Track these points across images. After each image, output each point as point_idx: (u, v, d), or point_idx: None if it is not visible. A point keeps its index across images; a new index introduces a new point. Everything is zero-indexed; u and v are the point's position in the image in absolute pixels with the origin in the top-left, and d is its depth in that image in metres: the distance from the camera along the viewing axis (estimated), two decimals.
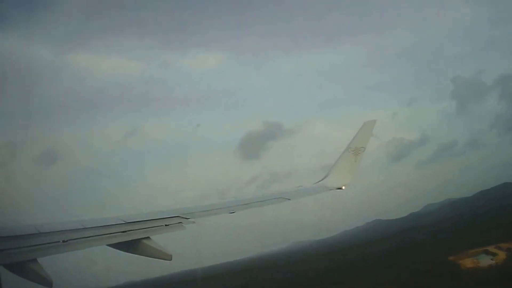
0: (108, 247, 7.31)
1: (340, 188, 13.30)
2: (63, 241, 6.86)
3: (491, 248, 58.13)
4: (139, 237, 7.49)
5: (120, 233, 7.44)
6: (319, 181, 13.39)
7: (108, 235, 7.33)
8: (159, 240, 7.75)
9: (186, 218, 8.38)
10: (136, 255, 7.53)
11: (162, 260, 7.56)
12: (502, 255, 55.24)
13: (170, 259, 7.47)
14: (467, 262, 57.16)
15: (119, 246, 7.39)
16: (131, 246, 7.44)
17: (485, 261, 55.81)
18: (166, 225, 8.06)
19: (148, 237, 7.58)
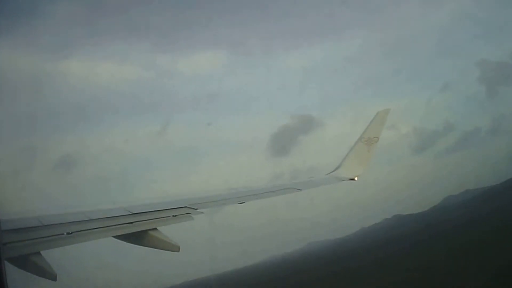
0: (114, 239, 7.14)
1: (353, 179, 13.03)
2: (68, 233, 6.69)
3: None
4: (145, 228, 7.29)
5: (127, 224, 7.23)
6: (331, 172, 13.11)
7: (114, 226, 7.13)
8: (168, 232, 7.57)
9: (194, 209, 8.18)
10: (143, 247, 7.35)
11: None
12: None
13: (178, 251, 7.27)
14: None
15: (125, 237, 7.20)
16: (137, 238, 7.25)
17: None
18: (173, 216, 7.85)
19: (155, 228, 7.37)
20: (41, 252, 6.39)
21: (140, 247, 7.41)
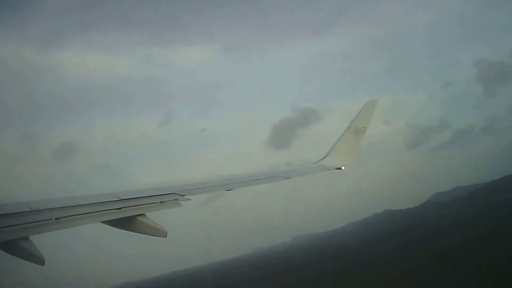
0: (102, 224, 7.20)
1: (340, 169, 13.19)
2: (56, 219, 6.72)
3: None
4: (133, 214, 7.35)
5: (115, 210, 7.28)
6: (318, 161, 13.26)
7: (102, 212, 7.18)
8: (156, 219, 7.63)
9: (182, 195, 8.25)
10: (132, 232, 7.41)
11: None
12: None
13: (165, 236, 7.32)
14: None
15: (114, 223, 7.25)
16: (125, 223, 7.29)
17: None
18: (161, 202, 7.93)
19: (143, 214, 7.44)
20: (30, 237, 6.44)
21: (127, 234, 7.48)
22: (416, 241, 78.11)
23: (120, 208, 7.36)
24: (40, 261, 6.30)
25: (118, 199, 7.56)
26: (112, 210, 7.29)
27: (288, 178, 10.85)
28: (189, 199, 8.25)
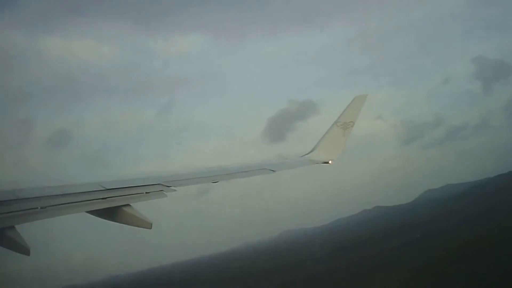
0: (87, 214, 7.24)
1: (327, 163, 13.28)
2: (42, 208, 6.73)
3: None
4: (119, 204, 7.39)
5: (100, 200, 7.31)
6: (305, 154, 13.35)
7: (87, 201, 7.21)
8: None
9: (167, 186, 8.31)
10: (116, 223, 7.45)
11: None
12: None
13: (150, 228, 7.34)
14: None
15: (99, 213, 7.29)
16: (111, 214, 7.32)
17: None
18: (147, 192, 7.97)
19: (129, 205, 7.49)
20: (15, 226, 6.47)
21: (112, 225, 7.51)
22: (407, 243, 76.96)
23: (105, 198, 7.39)
24: (25, 251, 6.34)
25: (104, 188, 7.60)
26: (97, 200, 7.32)
27: (274, 171, 10.92)
28: (175, 190, 8.30)
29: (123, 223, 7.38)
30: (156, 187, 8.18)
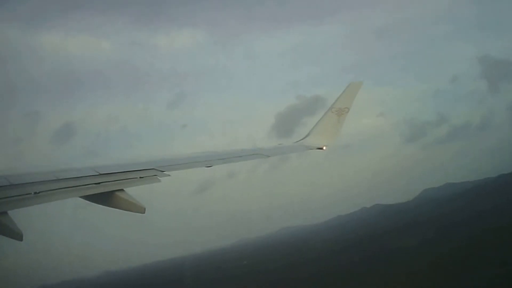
0: (80, 199, 7.24)
1: (321, 148, 13.32)
2: (35, 193, 6.71)
3: None
4: (112, 189, 7.39)
5: (94, 185, 7.30)
6: (299, 140, 13.37)
7: (81, 186, 7.19)
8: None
9: (161, 171, 8.31)
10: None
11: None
12: None
13: (144, 212, 7.34)
14: None
15: (92, 198, 7.28)
16: (104, 199, 7.32)
17: None
18: (140, 177, 7.96)
19: (122, 189, 7.48)
20: (8, 212, 6.46)
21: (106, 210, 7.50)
22: (407, 242, 75.86)
23: (99, 183, 7.39)
24: (18, 236, 6.33)
25: (97, 173, 7.60)
26: (91, 185, 7.31)
27: (268, 156, 10.93)
28: (168, 175, 8.30)
29: (117, 208, 7.38)
30: (149, 172, 8.18)
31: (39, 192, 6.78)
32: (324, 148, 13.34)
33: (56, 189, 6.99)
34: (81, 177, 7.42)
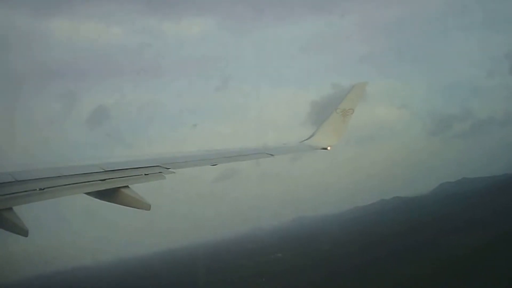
0: (86, 195, 7.27)
1: (326, 148, 13.44)
2: (40, 189, 6.74)
3: None
4: (117, 186, 7.41)
5: (99, 181, 7.33)
6: (305, 140, 13.46)
7: (86, 183, 7.22)
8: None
9: (166, 168, 8.34)
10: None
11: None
12: None
13: (149, 209, 7.37)
14: None
15: (97, 194, 7.32)
16: (109, 195, 7.34)
17: None
18: (145, 174, 7.99)
19: (127, 186, 7.50)
20: (13, 208, 6.48)
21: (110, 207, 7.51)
22: (425, 237, 74.92)
23: (104, 180, 7.41)
24: (24, 232, 6.36)
25: (103, 170, 7.62)
26: (96, 182, 7.34)
27: (272, 155, 10.99)
28: (173, 172, 8.32)
29: (122, 205, 7.40)
30: (155, 169, 8.21)
31: (44, 189, 6.81)
32: (329, 148, 13.49)
33: (62, 185, 7.02)
34: (86, 173, 7.45)
